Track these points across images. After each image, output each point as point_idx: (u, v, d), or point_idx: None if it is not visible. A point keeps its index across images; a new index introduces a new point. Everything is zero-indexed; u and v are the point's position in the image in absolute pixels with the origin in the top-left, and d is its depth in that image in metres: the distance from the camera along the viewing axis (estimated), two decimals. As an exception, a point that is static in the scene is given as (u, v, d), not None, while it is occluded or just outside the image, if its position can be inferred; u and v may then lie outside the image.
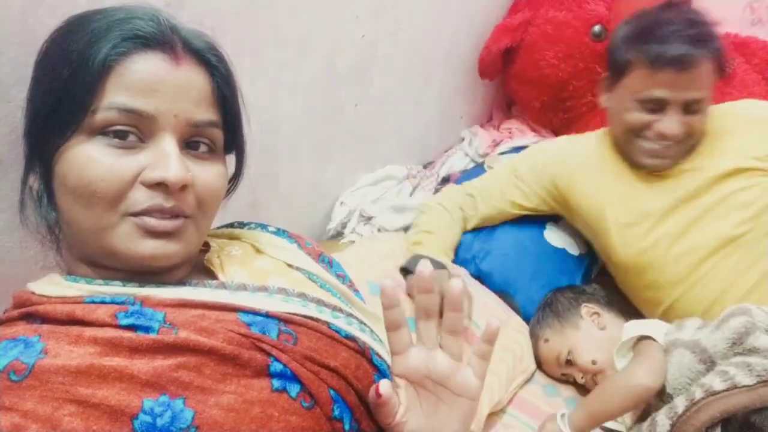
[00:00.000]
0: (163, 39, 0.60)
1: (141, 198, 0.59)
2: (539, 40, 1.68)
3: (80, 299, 0.60)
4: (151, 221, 0.59)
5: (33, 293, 0.62)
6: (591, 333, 1.24)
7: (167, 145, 0.60)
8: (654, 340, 1.07)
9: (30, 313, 0.59)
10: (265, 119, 1.16)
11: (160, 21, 0.61)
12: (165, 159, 0.59)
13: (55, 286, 0.62)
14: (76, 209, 0.59)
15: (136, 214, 0.59)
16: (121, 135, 0.58)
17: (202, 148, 0.65)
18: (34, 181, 0.63)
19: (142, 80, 0.59)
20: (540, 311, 1.34)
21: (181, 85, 0.61)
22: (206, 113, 0.64)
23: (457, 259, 1.45)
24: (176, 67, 0.61)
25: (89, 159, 0.58)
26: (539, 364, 1.31)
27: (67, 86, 0.57)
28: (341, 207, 1.50)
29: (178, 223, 0.61)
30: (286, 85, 1.18)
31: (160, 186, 0.59)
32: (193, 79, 0.63)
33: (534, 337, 1.31)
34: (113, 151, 0.58)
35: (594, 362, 1.20)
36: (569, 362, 1.24)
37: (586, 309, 1.29)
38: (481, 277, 1.43)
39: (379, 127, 1.55)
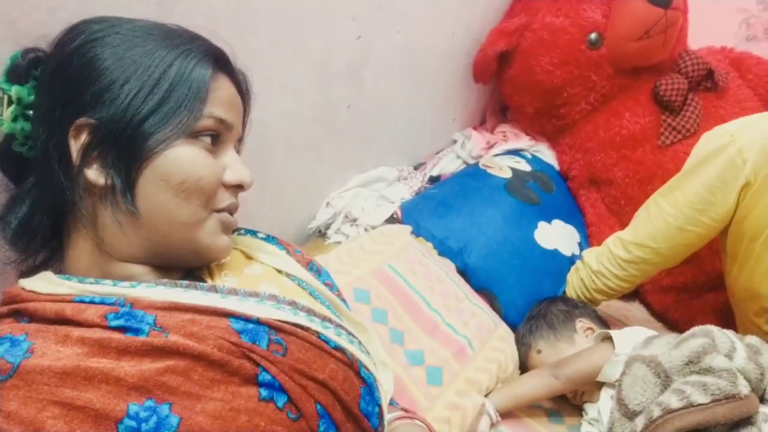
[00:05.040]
0: (231, 65, 0.73)
1: (225, 196, 0.69)
2: (535, 46, 1.67)
3: (69, 298, 0.60)
4: (230, 217, 0.70)
5: (23, 289, 0.62)
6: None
7: (234, 152, 0.71)
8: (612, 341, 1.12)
9: (18, 310, 0.60)
10: (256, 118, 1.13)
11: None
12: (239, 164, 0.70)
13: (45, 283, 0.63)
14: (175, 202, 0.64)
15: (219, 211, 0.68)
16: (212, 140, 0.67)
17: None
18: (98, 177, 0.63)
19: (226, 97, 0.69)
20: (532, 321, 1.33)
21: (239, 104, 0.73)
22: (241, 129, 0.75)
23: (445, 250, 1.44)
24: (236, 89, 0.72)
25: (197, 158, 0.65)
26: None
27: (171, 95, 0.63)
28: (327, 208, 1.49)
29: None
30: (279, 85, 1.17)
31: (237, 187, 0.70)
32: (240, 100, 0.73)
33: (525, 346, 1.31)
34: (207, 153, 0.66)
35: None
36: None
37: (581, 324, 1.29)
38: (466, 272, 1.42)
39: (372, 128, 1.54)
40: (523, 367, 1.31)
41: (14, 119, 0.66)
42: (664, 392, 0.97)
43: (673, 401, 0.92)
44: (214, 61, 0.68)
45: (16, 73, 0.67)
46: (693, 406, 0.90)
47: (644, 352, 1.06)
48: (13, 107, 0.66)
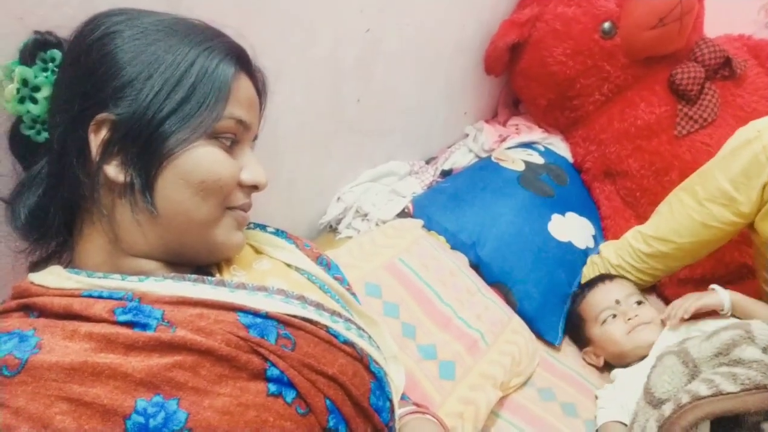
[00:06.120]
0: (252, 64, 0.72)
1: (239, 196, 0.69)
2: (547, 37, 1.65)
3: (78, 292, 0.60)
4: (243, 214, 0.71)
5: (32, 283, 0.62)
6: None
7: (250, 152, 0.71)
8: None
9: (28, 304, 0.59)
10: (265, 114, 1.15)
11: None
12: (254, 165, 0.70)
13: (54, 277, 0.63)
14: (194, 201, 0.64)
15: (232, 208, 0.69)
16: (231, 140, 0.67)
17: None
18: (118, 174, 0.63)
19: (246, 97, 0.69)
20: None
21: (257, 104, 0.73)
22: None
23: (457, 244, 1.44)
24: (255, 89, 0.72)
25: (217, 157, 0.65)
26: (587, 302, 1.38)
27: (193, 94, 0.63)
28: (337, 203, 1.49)
29: None
30: (288, 79, 1.17)
31: (252, 187, 0.70)
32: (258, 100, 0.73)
33: (599, 278, 1.41)
34: (225, 153, 0.66)
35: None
36: (617, 303, 1.30)
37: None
38: (479, 265, 1.41)
39: (382, 122, 1.53)
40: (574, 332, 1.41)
41: (20, 101, 0.66)
42: (691, 382, 0.98)
43: (702, 389, 0.93)
44: (236, 60, 0.67)
45: (24, 55, 0.67)
46: (722, 394, 0.91)
47: (677, 347, 1.08)
48: (18, 87, 0.65)
